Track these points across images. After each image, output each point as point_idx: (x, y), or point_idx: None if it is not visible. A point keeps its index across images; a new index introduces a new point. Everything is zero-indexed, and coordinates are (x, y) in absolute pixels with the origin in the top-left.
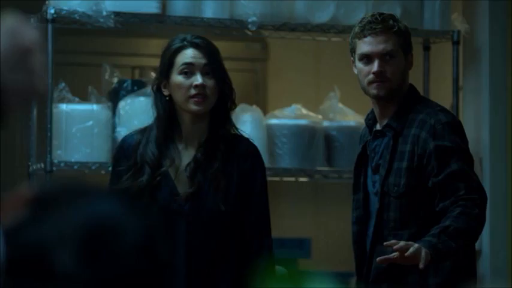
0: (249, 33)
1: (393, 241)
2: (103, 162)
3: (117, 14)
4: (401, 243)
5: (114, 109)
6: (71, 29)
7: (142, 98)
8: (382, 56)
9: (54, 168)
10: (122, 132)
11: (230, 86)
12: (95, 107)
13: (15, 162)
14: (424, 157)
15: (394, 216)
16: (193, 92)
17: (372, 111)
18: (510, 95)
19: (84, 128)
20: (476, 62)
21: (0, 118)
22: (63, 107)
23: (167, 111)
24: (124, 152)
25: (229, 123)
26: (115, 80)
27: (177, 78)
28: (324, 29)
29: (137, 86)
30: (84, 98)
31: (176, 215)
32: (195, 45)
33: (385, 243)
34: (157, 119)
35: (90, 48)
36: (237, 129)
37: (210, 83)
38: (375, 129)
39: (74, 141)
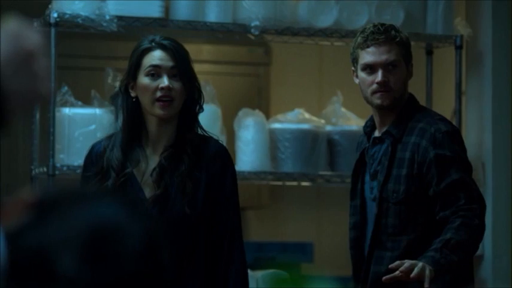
0: (252, 37)
1: (398, 262)
2: None
3: (120, 18)
4: (406, 264)
5: (116, 113)
6: (73, 33)
7: None
8: (386, 66)
9: (56, 172)
10: None
11: (198, 90)
12: (97, 111)
13: (17, 166)
14: (424, 165)
15: (392, 222)
16: (158, 94)
17: (371, 119)
18: None
19: (87, 132)
20: (479, 66)
21: (3, 122)
22: (66, 110)
23: (133, 114)
24: (91, 157)
25: (196, 126)
26: (118, 83)
27: (143, 80)
28: (326, 33)
29: None
30: (86, 102)
31: None
32: (162, 47)
33: (390, 266)
34: (123, 121)
35: (93, 52)
36: (205, 131)
37: (176, 85)
38: (373, 136)
39: (76, 145)
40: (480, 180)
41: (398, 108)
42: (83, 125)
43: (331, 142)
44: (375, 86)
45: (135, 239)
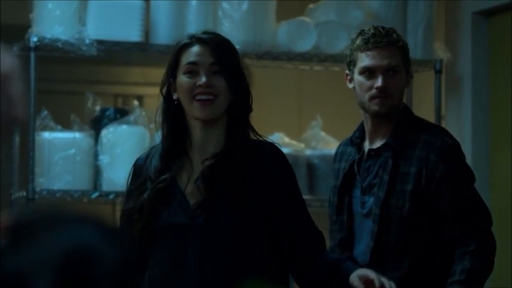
0: None
1: None
2: (85, 190)
3: (99, 42)
4: None
5: (96, 137)
6: (53, 57)
7: (125, 126)
8: (386, 71)
9: (36, 196)
10: (104, 160)
11: (247, 88)
12: (77, 135)
13: None
14: (433, 180)
15: (395, 240)
16: (196, 92)
17: (360, 129)
18: (492, 123)
19: (67, 156)
20: (458, 90)
21: None
22: (46, 135)
23: (175, 118)
24: (134, 171)
25: (247, 129)
26: (97, 108)
27: (181, 78)
28: (306, 57)
29: (120, 114)
30: (66, 126)
31: (187, 229)
32: (201, 42)
33: None
34: (165, 127)
35: (73, 76)
36: (259, 135)
37: (218, 83)
38: (368, 148)
39: (56, 169)
40: None
41: (394, 117)
42: (62, 149)
43: (310, 166)
44: (373, 91)
45: (111, 263)
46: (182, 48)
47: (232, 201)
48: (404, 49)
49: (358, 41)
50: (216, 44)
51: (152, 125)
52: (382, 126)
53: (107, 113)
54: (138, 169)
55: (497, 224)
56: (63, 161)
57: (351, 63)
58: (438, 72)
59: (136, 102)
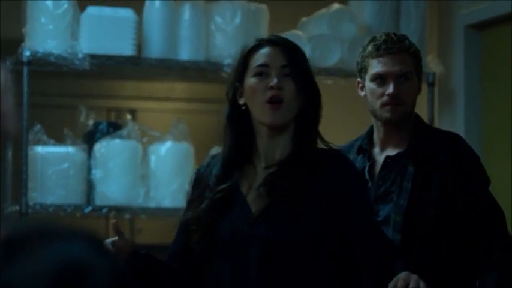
0: (225, 75)
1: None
2: (78, 204)
3: (92, 56)
4: None
5: (89, 151)
6: (46, 71)
7: (117, 140)
8: (398, 78)
9: (29, 211)
10: (97, 174)
11: (317, 94)
12: (70, 149)
13: None
14: (458, 189)
15: (418, 247)
16: (268, 94)
17: (368, 136)
18: (485, 136)
19: (60, 171)
20: (451, 104)
21: None
22: (39, 149)
23: (241, 124)
24: (196, 179)
25: (315, 137)
26: (90, 122)
27: (250, 81)
28: None
29: (113, 128)
30: (59, 140)
31: (247, 238)
32: (271, 43)
33: None
34: (228, 133)
35: (66, 90)
36: (327, 143)
37: (288, 86)
38: (381, 155)
39: (49, 183)
40: None
41: (406, 125)
42: (55, 163)
43: None
44: (385, 98)
45: (104, 278)
46: (251, 51)
47: (295, 209)
48: (416, 56)
49: (369, 48)
50: (287, 46)
51: (145, 139)
52: (394, 133)
53: (100, 127)
54: (199, 178)
55: None
56: (56, 175)
57: (362, 70)
58: (431, 85)
59: (129, 116)
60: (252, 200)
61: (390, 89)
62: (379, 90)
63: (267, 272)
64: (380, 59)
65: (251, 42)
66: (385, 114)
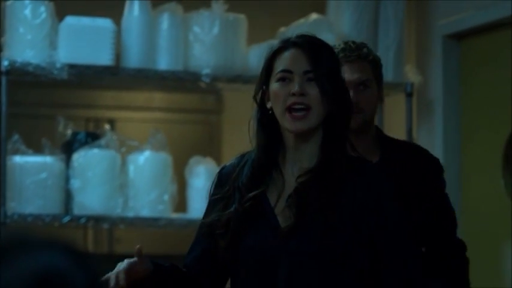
0: (203, 85)
1: None
2: (57, 214)
3: (71, 66)
4: None
5: (67, 161)
6: (25, 81)
7: (96, 150)
8: (357, 86)
9: (7, 220)
10: (76, 184)
11: (345, 97)
12: (48, 159)
13: None
14: (426, 196)
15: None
16: (289, 101)
17: None
18: (464, 146)
19: (38, 180)
20: (429, 113)
21: None
22: (17, 158)
23: (269, 128)
24: (221, 178)
25: (345, 144)
26: (69, 132)
27: (273, 86)
28: None
29: (91, 138)
30: (38, 150)
31: (276, 252)
32: (296, 46)
33: None
34: (258, 137)
35: (44, 100)
36: (357, 151)
37: (313, 92)
38: None
39: (27, 193)
40: None
41: (367, 133)
42: (34, 173)
43: None
44: None
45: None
46: (276, 53)
47: (326, 224)
48: (375, 63)
49: None
50: (311, 49)
51: (123, 149)
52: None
53: (78, 137)
54: (225, 178)
55: (469, 247)
56: (35, 185)
57: None
58: (409, 95)
59: (107, 126)
60: (281, 211)
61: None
62: None
63: (296, 287)
64: None
65: (277, 43)
66: None
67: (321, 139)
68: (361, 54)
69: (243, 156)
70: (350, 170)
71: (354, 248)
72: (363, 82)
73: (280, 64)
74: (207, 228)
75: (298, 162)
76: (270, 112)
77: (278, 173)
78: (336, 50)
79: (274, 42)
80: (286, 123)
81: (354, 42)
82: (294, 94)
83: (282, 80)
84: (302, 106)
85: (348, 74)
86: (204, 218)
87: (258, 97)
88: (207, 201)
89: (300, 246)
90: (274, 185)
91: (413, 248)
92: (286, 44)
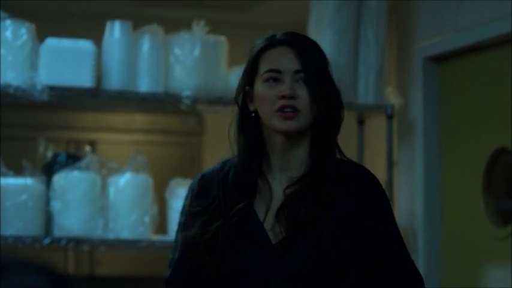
0: (184, 107)
1: None
2: (37, 236)
3: (51, 88)
4: None
5: (48, 183)
6: (5, 103)
7: (76, 172)
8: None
9: None
10: (56, 206)
11: (338, 100)
12: (29, 180)
13: None
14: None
15: None
16: (279, 104)
17: None
18: (444, 169)
19: (18, 202)
20: (410, 136)
21: None
22: None
23: (253, 133)
24: (201, 187)
25: (335, 148)
26: (49, 153)
27: (260, 87)
28: None
29: (72, 160)
30: (18, 172)
31: (267, 271)
32: (285, 44)
33: None
34: (240, 143)
35: (25, 122)
36: (344, 155)
37: (303, 93)
38: None
39: (7, 215)
40: (411, 247)
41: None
42: (14, 194)
43: None
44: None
45: None
46: (261, 51)
47: (320, 238)
48: None
49: None
50: (300, 47)
51: (104, 171)
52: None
53: (59, 158)
54: (205, 187)
55: (449, 268)
56: (15, 206)
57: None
58: (390, 117)
59: (88, 148)
60: (271, 226)
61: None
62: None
63: None
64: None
65: (261, 40)
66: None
67: (309, 144)
68: None
69: (224, 163)
70: (341, 175)
71: (350, 261)
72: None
73: (267, 63)
74: (192, 245)
75: (286, 170)
76: (253, 115)
77: (264, 181)
78: None
79: (257, 40)
80: (277, 122)
81: None
82: (284, 96)
83: (269, 80)
84: (292, 109)
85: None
86: (184, 230)
87: (240, 99)
88: (185, 212)
89: (293, 263)
90: (261, 196)
91: (407, 255)
92: (272, 42)
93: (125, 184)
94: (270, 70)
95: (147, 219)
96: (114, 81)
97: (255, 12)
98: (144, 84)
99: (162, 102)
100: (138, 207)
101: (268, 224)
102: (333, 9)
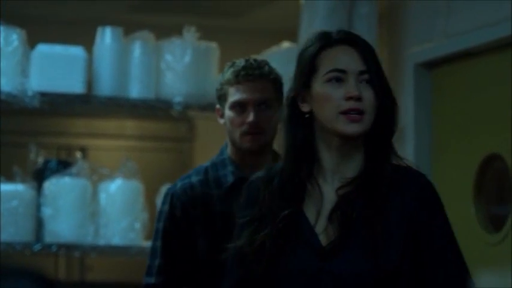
0: (175, 113)
1: None
2: (28, 242)
3: (42, 94)
4: None
5: (39, 189)
6: None
7: (67, 178)
8: (258, 105)
9: None
10: (47, 212)
11: (393, 100)
12: (19, 186)
13: None
14: None
15: None
16: (345, 106)
17: (234, 165)
18: (435, 174)
19: (9, 208)
20: (401, 141)
21: None
22: None
23: (305, 134)
24: (250, 196)
25: (390, 151)
26: (40, 159)
27: (322, 88)
28: None
29: (63, 166)
30: (9, 178)
31: (319, 275)
32: (346, 43)
33: None
34: (289, 145)
35: (16, 128)
36: (401, 158)
37: (368, 95)
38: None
39: None
40: None
41: (266, 155)
42: (5, 200)
43: None
44: (245, 126)
45: None
46: (320, 50)
47: (374, 241)
48: (277, 82)
49: (227, 74)
50: (364, 47)
51: (95, 177)
52: (253, 162)
53: (50, 164)
54: (254, 195)
55: None
56: (6, 212)
57: (222, 98)
58: None
59: (79, 154)
60: (323, 229)
61: (250, 117)
62: (239, 118)
63: None
64: (239, 86)
65: (313, 40)
66: (246, 144)
67: (363, 146)
68: (262, 72)
69: (270, 169)
70: (396, 179)
71: (402, 267)
72: (264, 102)
73: (329, 62)
74: (239, 255)
75: (338, 172)
76: (307, 116)
77: (314, 184)
78: (236, 68)
79: (308, 41)
80: (341, 125)
81: (255, 60)
82: (351, 98)
83: (332, 80)
84: (358, 112)
85: (249, 93)
86: (232, 243)
87: (289, 100)
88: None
89: (345, 267)
90: (311, 200)
91: (461, 262)
92: (329, 41)
93: (116, 190)
94: (335, 70)
95: (137, 225)
96: (105, 87)
97: (246, 18)
98: (135, 91)
99: (153, 108)
100: (128, 213)
101: (320, 227)
102: (324, 14)
